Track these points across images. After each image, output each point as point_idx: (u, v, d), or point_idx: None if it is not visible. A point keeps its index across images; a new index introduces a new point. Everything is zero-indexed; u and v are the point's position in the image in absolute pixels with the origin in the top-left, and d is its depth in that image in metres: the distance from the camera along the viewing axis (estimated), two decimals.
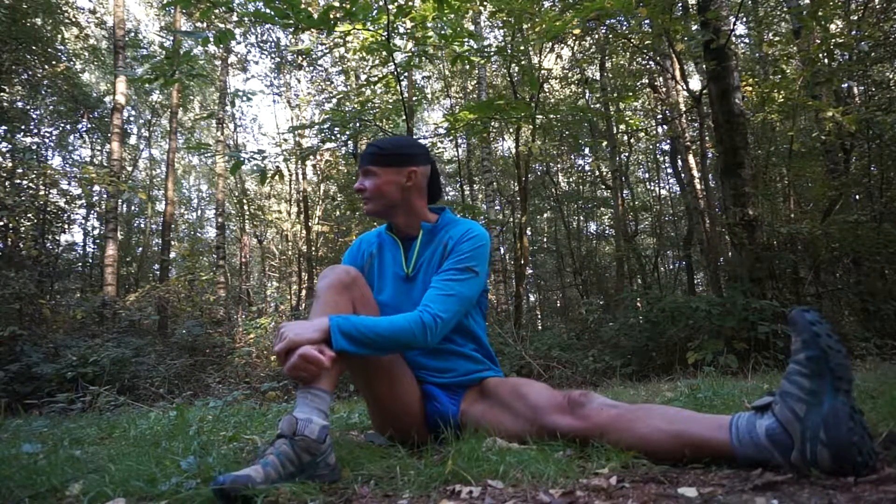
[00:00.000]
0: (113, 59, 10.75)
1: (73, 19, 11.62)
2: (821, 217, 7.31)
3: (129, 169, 16.44)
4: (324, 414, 1.24)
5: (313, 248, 13.12)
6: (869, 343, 5.48)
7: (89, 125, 12.57)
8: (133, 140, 17.54)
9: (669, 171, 14.16)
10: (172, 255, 15.81)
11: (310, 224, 12.94)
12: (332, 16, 4.54)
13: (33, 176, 9.34)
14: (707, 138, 7.70)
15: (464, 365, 1.63)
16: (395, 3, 5.27)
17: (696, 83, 11.40)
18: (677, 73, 8.35)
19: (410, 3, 5.55)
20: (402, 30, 6.36)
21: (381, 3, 5.32)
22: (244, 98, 14.67)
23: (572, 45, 10.80)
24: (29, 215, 8.98)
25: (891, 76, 8.98)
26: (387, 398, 1.56)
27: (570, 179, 16.30)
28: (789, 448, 1.09)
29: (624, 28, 8.40)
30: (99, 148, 15.34)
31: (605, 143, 11.54)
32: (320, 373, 1.29)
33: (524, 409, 1.46)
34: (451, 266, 1.56)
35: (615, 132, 11.67)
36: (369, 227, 11.19)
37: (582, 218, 16.00)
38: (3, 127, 9.50)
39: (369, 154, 1.66)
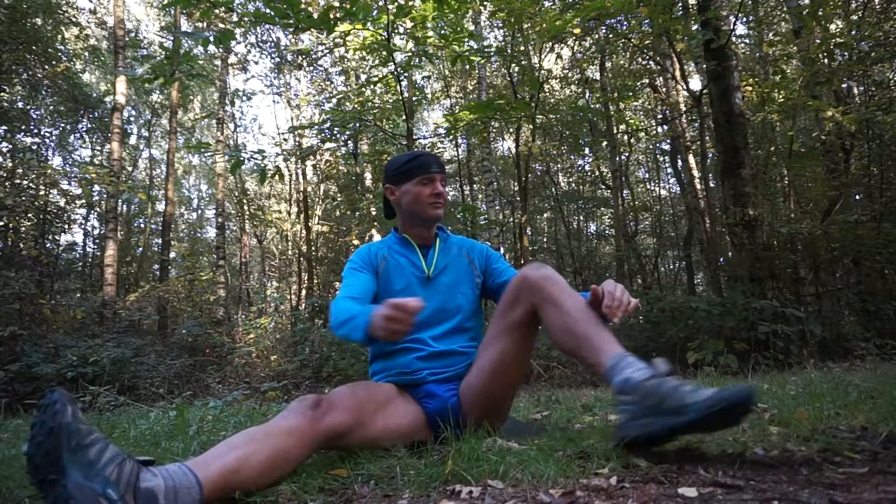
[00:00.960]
0: (113, 59, 10.75)
1: (73, 19, 11.62)
2: (821, 217, 7.31)
3: (129, 169, 16.44)
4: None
5: (313, 248, 13.12)
6: (869, 343, 5.49)
7: (89, 125, 12.57)
8: (133, 140, 17.54)
9: (669, 171, 14.17)
10: (172, 255, 15.81)
11: (310, 224, 12.94)
12: (332, 16, 4.54)
13: (33, 176, 9.34)
14: (707, 138, 7.71)
15: (462, 359, 1.69)
16: (395, 3, 5.27)
17: (696, 83, 11.40)
18: (677, 73, 8.35)
19: (410, 3, 5.55)
20: (402, 30, 6.37)
21: (381, 3, 5.32)
22: (244, 98, 14.66)
23: (572, 45, 10.80)
24: (29, 215, 8.98)
25: (891, 76, 8.98)
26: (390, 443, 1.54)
27: (570, 179, 16.29)
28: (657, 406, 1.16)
29: (624, 28, 8.41)
30: (99, 148, 15.32)
31: (605, 143, 11.54)
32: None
33: (494, 326, 1.57)
34: (504, 265, 1.84)
35: (615, 132, 11.67)
36: (369, 227, 11.19)
37: (582, 218, 15.99)
38: (3, 127, 9.50)
39: (443, 165, 1.80)
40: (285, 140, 13.81)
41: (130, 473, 0.96)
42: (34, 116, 11.09)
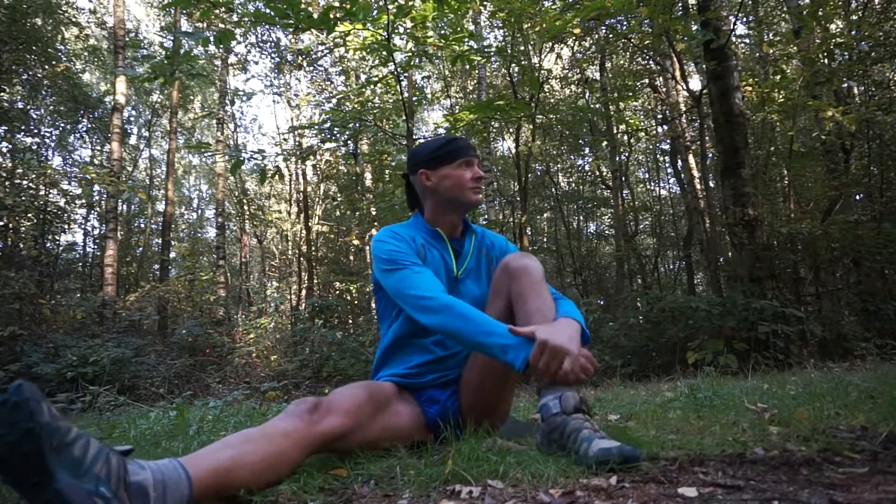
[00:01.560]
0: (113, 59, 10.75)
1: (73, 19, 11.62)
2: (821, 217, 7.31)
3: (129, 169, 16.44)
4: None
5: (313, 248, 13.12)
6: (869, 343, 5.48)
7: (89, 125, 12.56)
8: (133, 140, 17.53)
9: (669, 171, 14.16)
10: (172, 255, 15.80)
11: (310, 224, 12.94)
12: (332, 16, 4.54)
13: (33, 176, 9.34)
14: (707, 138, 7.70)
15: (460, 361, 1.67)
16: (395, 3, 5.27)
17: (696, 83, 11.40)
18: (677, 73, 8.35)
19: (410, 3, 5.55)
20: (402, 30, 6.37)
21: (381, 3, 5.32)
22: (244, 98, 14.62)
23: (572, 45, 10.80)
24: (29, 215, 8.98)
25: (891, 76, 8.98)
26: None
27: (570, 179, 16.29)
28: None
29: (624, 28, 8.40)
30: (99, 148, 15.32)
31: (605, 143, 11.54)
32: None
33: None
34: None
35: (615, 132, 11.66)
36: (369, 227, 11.18)
37: (582, 218, 15.98)
38: (3, 127, 9.49)
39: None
40: (285, 140, 13.81)
41: (119, 468, 0.94)
42: (34, 116, 11.09)
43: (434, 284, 1.52)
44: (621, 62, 12.02)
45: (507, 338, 1.35)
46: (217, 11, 6.78)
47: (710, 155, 8.22)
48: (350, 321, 10.81)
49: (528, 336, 1.33)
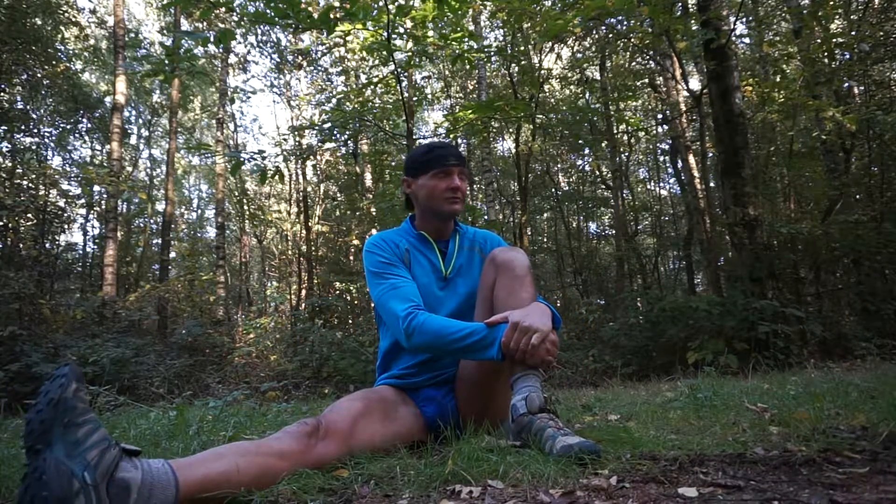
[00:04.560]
0: (113, 59, 10.75)
1: (73, 19, 11.62)
2: (821, 217, 7.31)
3: (129, 169, 16.43)
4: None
5: (313, 248, 13.11)
6: (869, 343, 5.48)
7: (89, 125, 12.57)
8: (133, 140, 17.53)
9: (669, 171, 14.15)
10: (172, 255, 15.80)
11: (310, 224, 12.93)
12: (332, 16, 4.54)
13: (33, 176, 9.34)
14: (707, 138, 7.70)
15: (453, 360, 1.67)
16: (395, 3, 5.27)
17: (696, 83, 11.39)
18: (677, 73, 8.35)
19: (410, 3, 5.55)
20: (402, 30, 6.37)
21: (381, 4, 5.32)
22: (243, 98, 14.60)
23: (572, 45, 10.79)
24: (29, 215, 8.97)
25: (891, 76, 8.98)
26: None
27: (570, 179, 16.27)
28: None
29: (624, 28, 8.40)
30: (99, 148, 15.32)
31: (605, 144, 11.54)
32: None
33: (477, 311, 1.62)
34: None
35: (615, 132, 11.66)
36: (369, 227, 11.18)
37: (582, 218, 15.97)
38: (3, 127, 9.49)
39: (463, 158, 1.73)
40: (285, 140, 13.81)
41: (111, 461, 0.96)
42: (34, 116, 11.08)
43: (408, 301, 1.54)
44: (621, 62, 12.01)
45: (482, 333, 1.41)
46: (217, 11, 6.78)
47: (710, 155, 8.22)
48: (350, 321, 10.80)
49: (502, 322, 1.40)
